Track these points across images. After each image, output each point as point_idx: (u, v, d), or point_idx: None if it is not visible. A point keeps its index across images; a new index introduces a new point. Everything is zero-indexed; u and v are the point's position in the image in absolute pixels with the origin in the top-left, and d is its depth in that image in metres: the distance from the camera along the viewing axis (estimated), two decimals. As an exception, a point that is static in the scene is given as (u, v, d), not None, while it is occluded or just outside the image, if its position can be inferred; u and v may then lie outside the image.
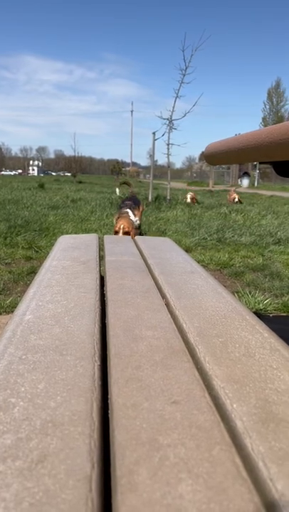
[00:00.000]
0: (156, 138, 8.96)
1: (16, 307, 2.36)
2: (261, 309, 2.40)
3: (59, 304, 0.82)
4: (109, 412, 0.49)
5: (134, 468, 0.37)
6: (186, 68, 8.78)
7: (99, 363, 0.59)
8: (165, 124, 8.99)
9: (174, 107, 8.92)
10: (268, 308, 2.42)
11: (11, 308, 2.24)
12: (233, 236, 4.87)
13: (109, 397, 0.52)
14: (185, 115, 8.84)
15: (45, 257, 3.46)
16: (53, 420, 0.44)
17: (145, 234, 4.94)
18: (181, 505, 0.33)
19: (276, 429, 0.43)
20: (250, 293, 2.65)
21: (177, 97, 8.81)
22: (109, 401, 0.51)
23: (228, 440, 0.42)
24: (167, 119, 8.96)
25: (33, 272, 2.98)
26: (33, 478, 0.35)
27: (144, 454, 0.39)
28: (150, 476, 0.36)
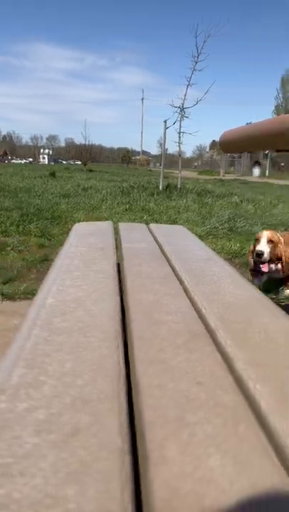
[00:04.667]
0: (167, 126, 8.90)
1: (30, 294, 2.37)
2: (273, 298, 2.41)
3: (79, 288, 0.83)
4: (132, 391, 0.50)
5: (164, 443, 0.38)
6: (199, 55, 8.65)
7: (122, 345, 0.60)
8: (176, 112, 8.90)
9: (185, 95, 8.82)
10: (280, 297, 2.43)
11: (25, 295, 2.26)
12: (244, 225, 4.84)
13: (132, 377, 0.53)
14: (197, 103, 8.74)
15: (58, 245, 3.47)
16: (82, 397, 0.45)
17: (156, 223, 4.92)
18: (212, 478, 0.34)
19: (300, 410, 0.44)
20: (262, 282, 2.65)
21: (189, 84, 8.70)
22: (132, 381, 0.52)
23: (252, 419, 0.43)
24: (179, 107, 8.87)
25: (46, 260, 3.00)
26: (67, 450, 0.37)
27: (172, 431, 0.40)
28: (180, 451, 0.37)
